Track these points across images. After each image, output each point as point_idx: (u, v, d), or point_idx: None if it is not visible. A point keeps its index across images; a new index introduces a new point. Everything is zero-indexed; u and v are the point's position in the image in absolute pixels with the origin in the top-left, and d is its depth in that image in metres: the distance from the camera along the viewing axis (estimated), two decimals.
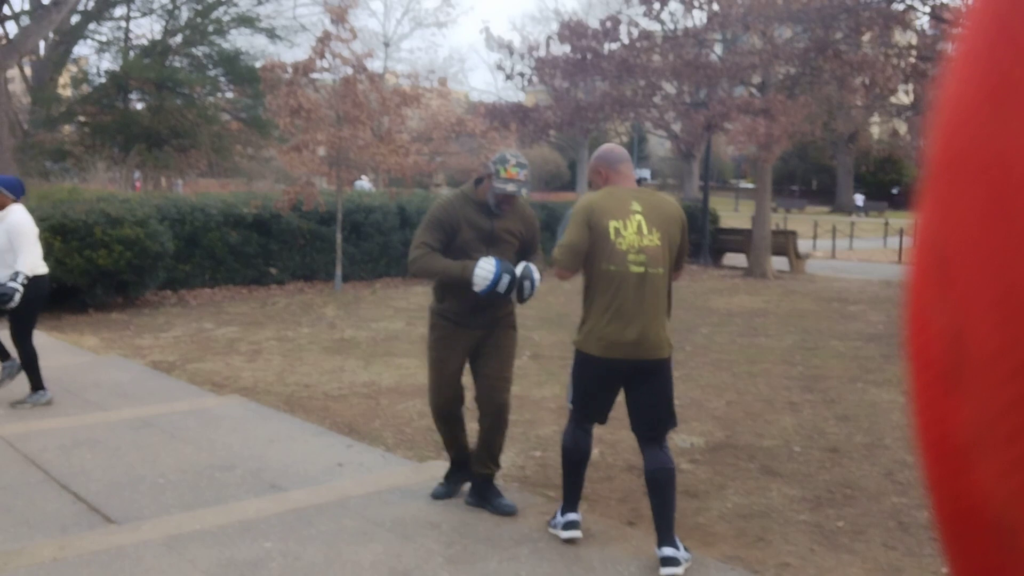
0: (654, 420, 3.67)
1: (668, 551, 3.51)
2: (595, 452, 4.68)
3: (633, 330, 3.52)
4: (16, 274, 5.83)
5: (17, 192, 6.05)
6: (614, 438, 5.26)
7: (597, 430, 4.24)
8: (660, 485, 3.62)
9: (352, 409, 6.16)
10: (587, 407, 3.78)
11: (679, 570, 3.48)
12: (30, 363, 6.10)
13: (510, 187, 3.98)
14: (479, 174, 4.26)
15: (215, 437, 5.42)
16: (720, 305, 11.94)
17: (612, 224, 3.55)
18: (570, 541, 3.76)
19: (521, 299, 4.14)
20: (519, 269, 4.07)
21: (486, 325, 4.20)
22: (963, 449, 0.35)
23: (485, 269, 3.96)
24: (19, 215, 5.94)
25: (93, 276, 10.09)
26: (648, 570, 3.56)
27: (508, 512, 4.16)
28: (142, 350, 8.27)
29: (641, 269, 3.53)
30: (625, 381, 3.68)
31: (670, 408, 3.70)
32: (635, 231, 3.56)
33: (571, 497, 3.83)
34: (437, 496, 4.33)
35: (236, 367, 7.54)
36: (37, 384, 6.14)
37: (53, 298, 10.06)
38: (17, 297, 5.80)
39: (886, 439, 5.52)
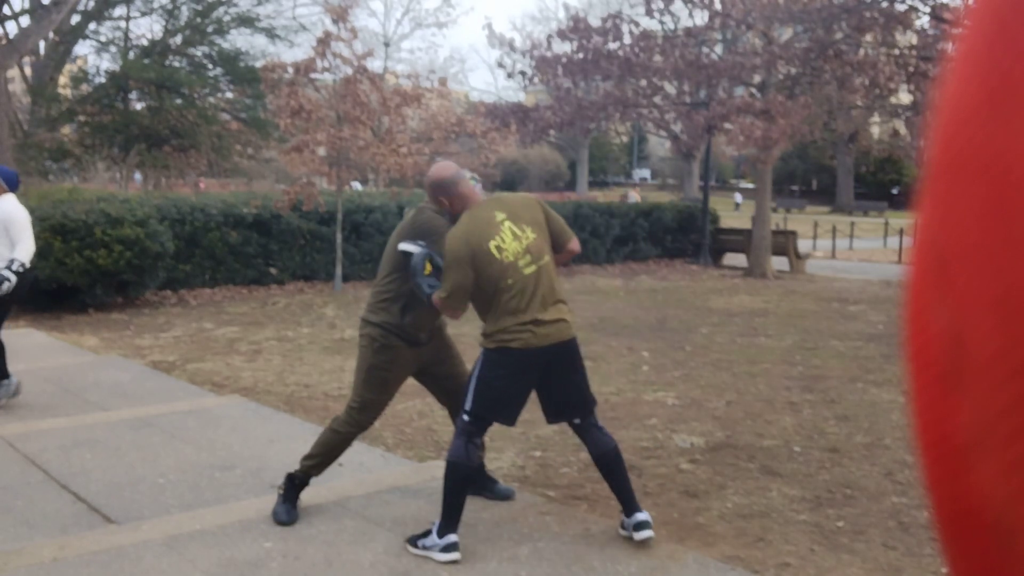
0: (580, 400, 3.83)
1: (640, 516, 3.74)
2: None
3: (550, 315, 3.67)
4: (12, 261, 5.74)
5: (12, 184, 6.02)
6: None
7: None
8: (612, 464, 3.80)
9: None
10: (500, 407, 3.74)
11: (652, 532, 3.72)
12: None
13: None
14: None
15: (215, 437, 5.42)
16: (720, 305, 11.94)
17: (492, 244, 3.64)
18: (452, 563, 3.58)
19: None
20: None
21: (432, 337, 4.16)
22: (963, 450, 0.34)
23: None
24: (12, 204, 5.88)
25: (93, 276, 10.09)
26: (648, 570, 3.56)
27: (507, 496, 4.29)
28: (142, 350, 8.27)
29: (533, 267, 3.68)
30: (544, 370, 3.73)
31: (588, 386, 3.87)
32: (512, 238, 3.68)
33: (455, 517, 3.66)
34: (282, 521, 3.98)
35: (236, 367, 7.54)
36: (2, 373, 6.01)
37: (53, 298, 10.09)
38: (6, 286, 5.69)
39: (886, 439, 5.52)
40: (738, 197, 44.69)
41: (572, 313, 3.83)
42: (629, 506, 3.78)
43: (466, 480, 3.72)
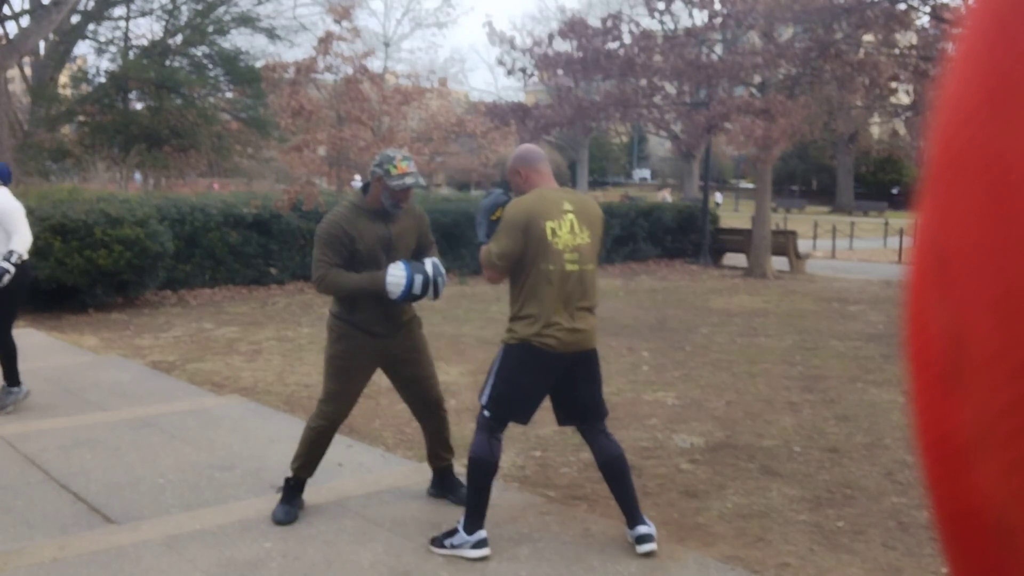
0: (594, 408, 3.84)
1: (642, 529, 3.72)
2: None
3: (576, 323, 3.66)
4: (10, 253, 5.71)
5: (5, 177, 6.01)
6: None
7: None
8: (617, 472, 3.79)
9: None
10: (516, 405, 3.74)
11: (655, 545, 3.70)
12: (8, 357, 5.97)
13: (408, 180, 3.96)
14: (365, 181, 4.20)
15: (215, 437, 5.42)
16: (720, 305, 11.94)
17: (548, 225, 3.63)
18: (482, 559, 3.59)
19: (436, 295, 4.08)
20: (428, 267, 4.04)
21: (396, 330, 4.13)
22: (963, 450, 0.34)
23: (396, 276, 3.93)
24: (5, 196, 5.85)
25: (93, 276, 10.09)
26: (648, 570, 3.56)
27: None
28: (142, 350, 8.27)
29: (576, 267, 3.66)
30: (564, 373, 3.72)
31: (602, 396, 3.89)
32: (568, 231, 3.67)
33: (481, 513, 3.68)
34: (280, 521, 3.98)
35: (236, 367, 7.54)
36: (13, 380, 6.00)
37: (53, 298, 10.09)
38: (6, 278, 5.67)
39: (886, 439, 5.52)
40: (718, 197, 44.66)
41: (597, 322, 3.82)
42: (632, 516, 3.76)
43: (490, 475, 3.72)
